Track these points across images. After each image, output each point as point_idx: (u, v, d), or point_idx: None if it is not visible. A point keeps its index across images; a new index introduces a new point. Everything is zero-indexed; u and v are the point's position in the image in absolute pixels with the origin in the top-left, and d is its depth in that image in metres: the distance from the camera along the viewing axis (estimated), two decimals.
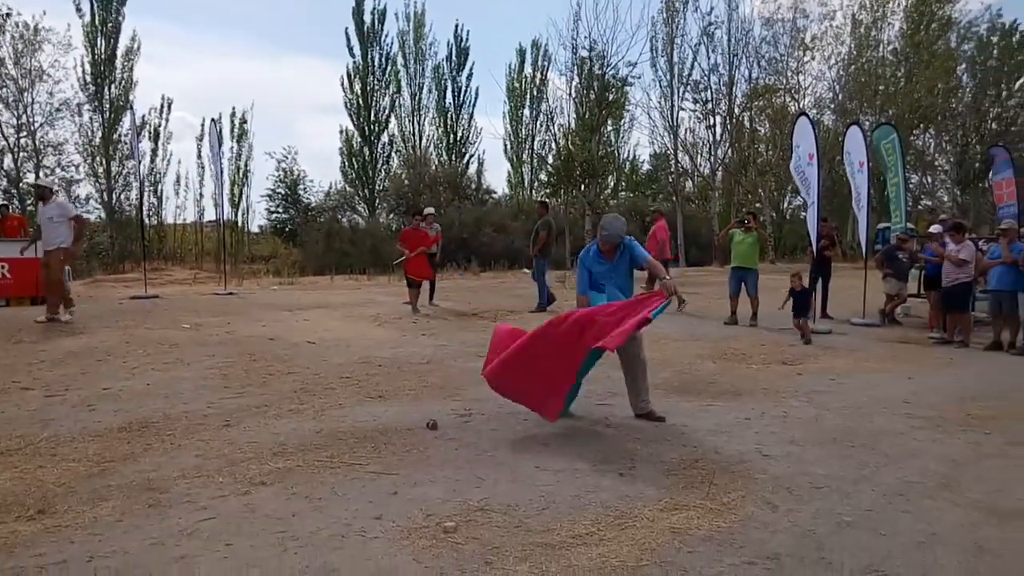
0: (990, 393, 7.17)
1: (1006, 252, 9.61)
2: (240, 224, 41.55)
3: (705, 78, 35.30)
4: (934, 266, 10.86)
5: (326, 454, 4.99)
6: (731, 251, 12.10)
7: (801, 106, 34.84)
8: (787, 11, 35.87)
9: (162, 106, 37.15)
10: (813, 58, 35.89)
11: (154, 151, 36.09)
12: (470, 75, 44.72)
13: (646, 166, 48.91)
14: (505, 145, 47.53)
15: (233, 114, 40.40)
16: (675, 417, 6.04)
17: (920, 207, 35.66)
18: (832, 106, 35.66)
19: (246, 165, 40.71)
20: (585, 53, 26.92)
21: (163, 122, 37.36)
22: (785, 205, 39.13)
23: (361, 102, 40.90)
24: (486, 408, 6.24)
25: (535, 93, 44.08)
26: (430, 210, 13.92)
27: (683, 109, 35.33)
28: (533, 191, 45.93)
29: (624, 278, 5.98)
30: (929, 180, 39.98)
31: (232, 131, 40.39)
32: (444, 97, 44.39)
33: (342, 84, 41.03)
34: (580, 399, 6.64)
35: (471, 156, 45.05)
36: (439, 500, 4.16)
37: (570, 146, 27.90)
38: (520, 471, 4.67)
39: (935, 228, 11.75)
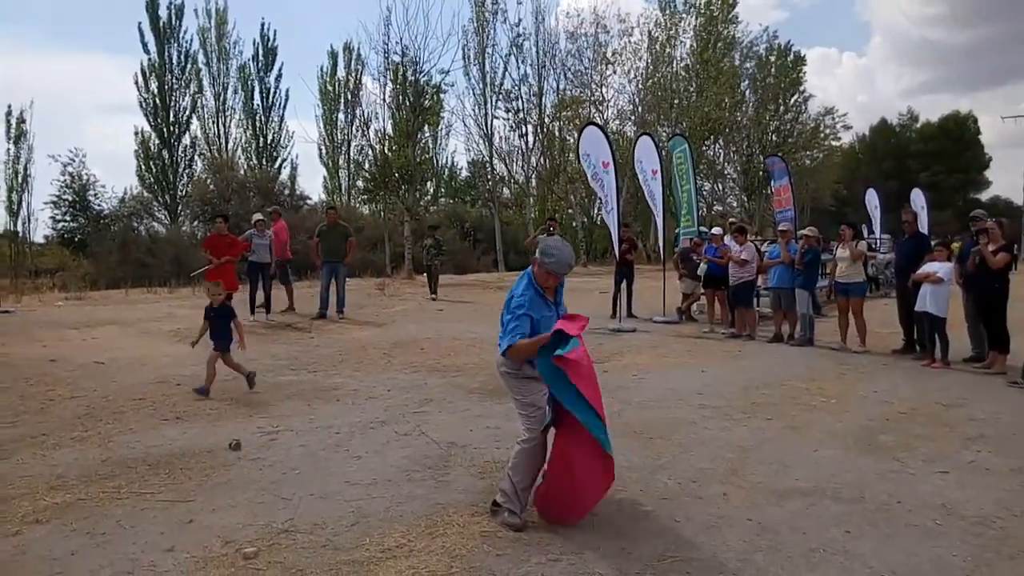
0: (772, 382, 7.89)
1: (784, 252, 10.64)
2: (20, 234, 37.40)
3: (516, 88, 36.36)
4: (715, 265, 11.74)
5: (112, 484, 4.56)
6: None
7: (605, 117, 36.78)
8: (590, 26, 37.72)
9: None
10: (615, 72, 37.97)
11: None
12: (279, 76, 43.24)
13: (464, 173, 49.57)
14: (320, 150, 46.32)
15: (9, 113, 36.41)
16: (489, 420, 6.12)
17: (713, 212, 38.72)
18: (633, 118, 37.89)
19: (26, 169, 36.79)
20: (397, 59, 26.75)
21: None
22: (595, 211, 41.14)
23: (159, 102, 38.25)
24: (295, 424, 5.99)
25: (349, 97, 43.24)
26: (259, 216, 13.12)
27: (497, 118, 36.18)
28: (351, 197, 45.11)
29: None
30: (720, 187, 43.61)
31: (8, 131, 36.37)
32: (252, 98, 42.55)
33: (136, 82, 38.21)
34: (396, 406, 6.58)
35: (283, 160, 43.53)
36: (239, 525, 3.92)
37: (387, 152, 27.59)
38: (329, 487, 4.52)
39: (716, 230, 12.78)
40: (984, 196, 73.77)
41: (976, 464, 5.13)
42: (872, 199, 22.80)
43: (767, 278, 11.47)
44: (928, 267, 8.77)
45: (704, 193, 42.51)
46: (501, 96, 35.83)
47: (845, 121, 46.86)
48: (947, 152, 69.28)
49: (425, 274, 17.46)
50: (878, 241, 20.66)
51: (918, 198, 22.35)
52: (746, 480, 4.75)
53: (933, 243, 9.16)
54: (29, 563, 3.50)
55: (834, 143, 47.75)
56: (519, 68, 36.51)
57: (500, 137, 37.09)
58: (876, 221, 22.60)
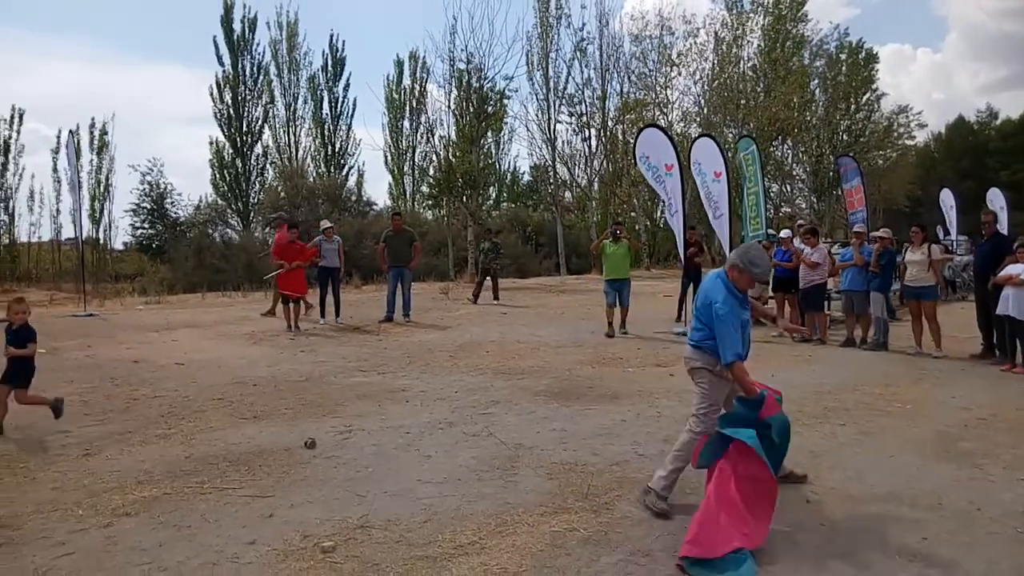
0: (844, 386, 7.71)
1: (857, 255, 10.38)
2: (102, 241, 39.21)
3: (579, 92, 36.34)
4: (783, 269, 11.51)
5: (196, 480, 4.78)
6: (603, 263, 11.99)
7: (669, 119, 36.46)
8: (654, 28, 37.47)
9: (12, 117, 34.68)
10: (679, 74, 37.59)
11: (3, 165, 33.57)
12: (347, 86, 44.21)
13: (526, 177, 49.79)
14: (386, 156, 47.14)
15: (92, 125, 38.25)
16: (555, 422, 6.16)
17: (781, 214, 37.92)
18: (698, 119, 37.43)
19: (107, 179, 38.61)
20: (463, 66, 27.13)
21: (14, 134, 34.89)
22: (658, 214, 40.76)
23: (232, 112, 39.58)
24: (367, 424, 6.14)
25: (414, 105, 43.96)
26: (327, 223, 13.50)
27: (560, 122, 36.20)
28: (415, 203, 45.79)
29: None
30: (788, 189, 42.69)
31: (91, 143, 38.20)
32: (321, 108, 43.62)
33: (211, 94, 39.64)
34: (463, 408, 6.68)
35: (350, 168, 44.49)
36: (317, 521, 4.06)
37: (451, 158, 27.98)
38: (402, 485, 4.63)
39: (784, 233, 12.54)
40: None
41: None
42: (947, 199, 21.99)
43: (839, 281, 11.21)
44: (1010, 269, 8.45)
45: (772, 195, 41.68)
46: (564, 100, 35.89)
47: (920, 119, 45.23)
48: None
49: (483, 278, 17.38)
50: (955, 243, 19.91)
51: (997, 198, 21.45)
52: (820, 486, 4.67)
53: (1015, 244, 8.79)
54: (120, 553, 3.70)
55: (908, 142, 46.21)
56: (582, 72, 36.46)
57: (563, 141, 37.17)
58: (952, 222, 21.79)
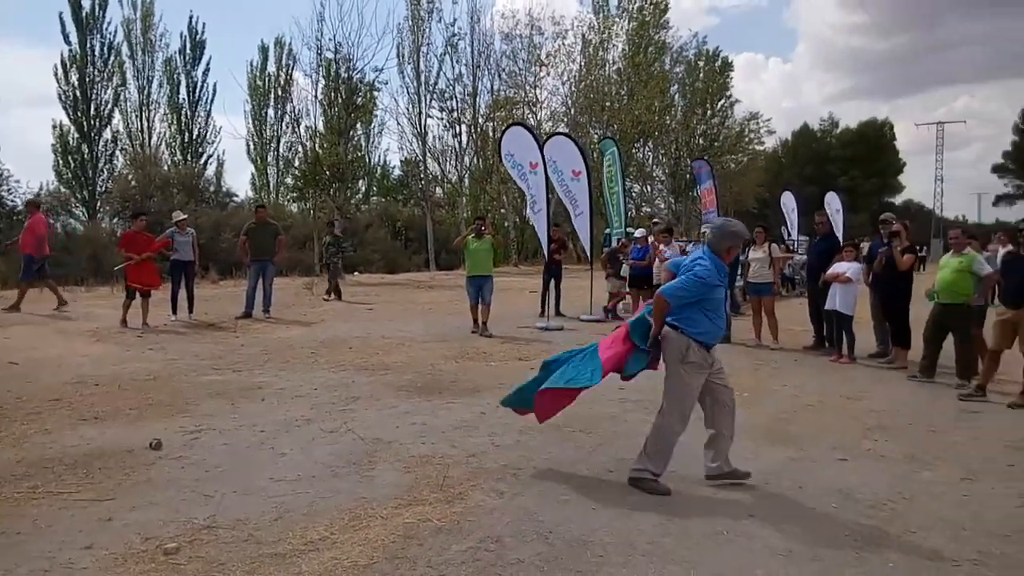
0: None
1: None
2: None
3: (450, 87, 36.39)
4: (638, 266, 12.04)
5: (28, 485, 4.47)
6: (466, 259, 11.68)
7: (539, 118, 37.17)
8: (525, 28, 38.05)
9: None
10: (548, 74, 38.39)
11: None
12: (207, 70, 42.32)
13: (397, 172, 49.30)
14: (248, 146, 45.43)
15: None
16: (416, 416, 6.20)
17: (641, 213, 39.53)
18: (566, 119, 38.36)
19: None
20: (330, 55, 26.48)
21: None
22: (527, 211, 41.43)
23: (79, 94, 36.89)
24: (219, 423, 5.94)
25: (280, 93, 42.52)
26: (180, 215, 12.71)
27: (430, 117, 36.09)
28: (279, 195, 44.35)
29: None
30: (648, 189, 44.59)
31: None
32: (177, 92, 41.52)
33: (55, 74, 36.81)
34: (322, 405, 6.59)
35: (210, 156, 42.54)
36: (160, 523, 3.91)
37: (317, 149, 27.28)
38: (253, 484, 4.53)
39: (639, 232, 13.13)
40: (898, 200, 77.50)
41: (873, 452, 5.49)
42: (789, 202, 23.66)
43: None
44: (837, 267, 9.25)
45: (633, 195, 43.35)
46: (435, 95, 35.82)
47: (769, 126, 48.53)
48: (864, 157, 72.29)
49: (327, 274, 16.76)
50: (795, 243, 21.48)
51: (834, 201, 23.27)
52: None
53: (843, 244, 9.65)
54: None
55: (758, 148, 49.33)
56: (454, 68, 36.54)
57: (433, 136, 37.10)
58: (793, 223, 23.47)
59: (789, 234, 23.32)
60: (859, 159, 71.35)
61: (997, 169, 73.84)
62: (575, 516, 4.10)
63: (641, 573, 3.45)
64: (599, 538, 3.80)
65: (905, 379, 8.27)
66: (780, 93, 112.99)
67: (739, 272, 11.46)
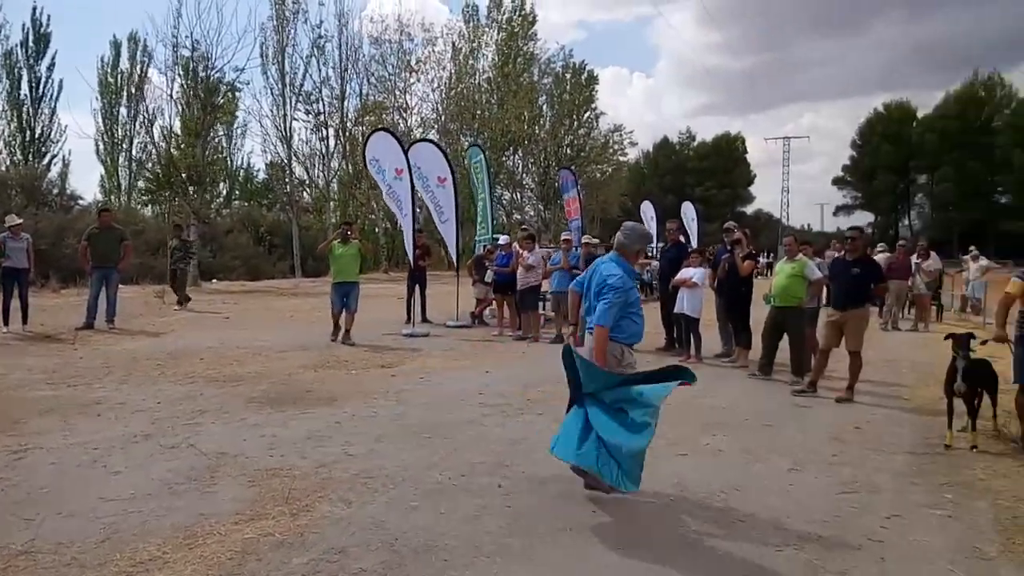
0: (548, 379, 8.36)
1: (564, 259, 11.32)
2: None
3: (317, 90, 35.56)
4: (502, 273, 12.21)
5: None
6: (332, 265, 11.28)
7: (409, 124, 36.98)
8: (394, 33, 37.78)
9: None
10: (418, 80, 38.31)
11: None
12: (52, 65, 39.26)
13: (262, 175, 47.60)
14: (97, 146, 42.57)
15: None
16: (266, 428, 6.01)
17: (512, 220, 40.11)
18: (436, 126, 38.40)
19: None
20: (187, 52, 25.24)
21: None
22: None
23: None
24: (47, 442, 5.52)
25: (133, 91, 40.17)
26: (14, 219, 11.63)
27: (296, 119, 35.09)
28: (132, 198, 41.82)
29: None
30: (519, 197, 45.28)
31: None
32: (18, 88, 38.32)
33: None
34: (164, 419, 6.27)
35: (54, 157, 39.48)
36: None
37: (172, 150, 25.93)
38: (80, 505, 4.24)
39: (503, 239, 13.33)
40: (749, 209, 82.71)
41: (711, 447, 5.82)
42: (648, 211, 24.68)
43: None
44: (684, 272, 9.74)
45: (504, 202, 43.92)
46: (301, 98, 34.88)
47: (632, 138, 50.26)
48: (718, 169, 76.77)
49: (171, 282, 15.85)
50: (654, 249, 22.42)
51: (689, 210, 24.52)
52: (514, 471, 5.05)
53: (689, 251, 10.18)
54: None
55: (622, 158, 51.12)
56: (320, 70, 35.67)
57: (300, 140, 36.13)
58: (652, 231, 24.49)
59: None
60: (714, 171, 75.73)
61: (837, 182, 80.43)
62: (423, 522, 4.10)
63: (484, 574, 3.50)
64: (445, 543, 3.82)
65: (746, 377, 8.82)
66: (643, 107, 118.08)
67: None
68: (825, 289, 9.69)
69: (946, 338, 6.38)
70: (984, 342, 6.40)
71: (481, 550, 3.74)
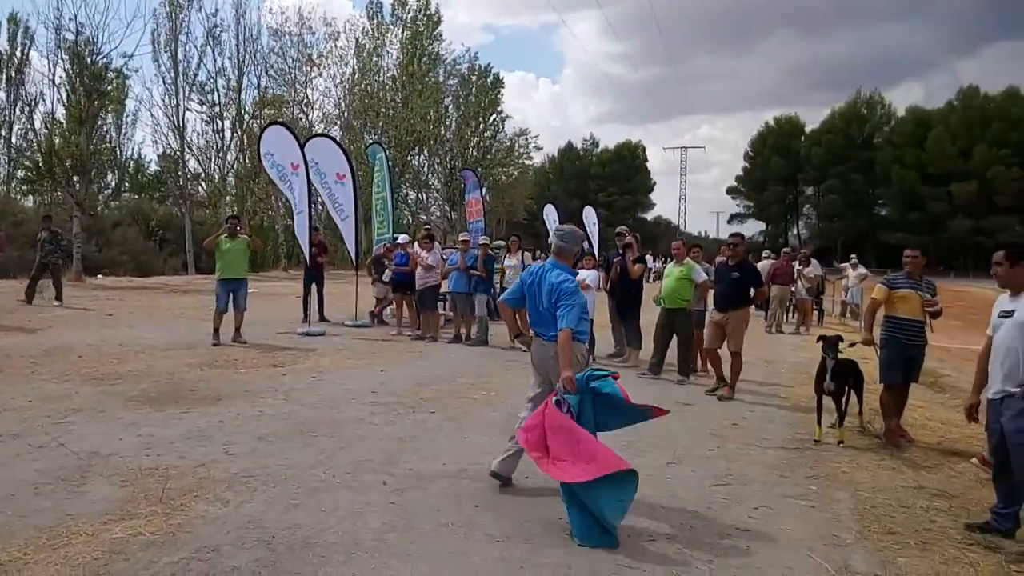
0: (443, 378, 8.43)
1: (461, 260, 11.38)
2: None
3: (212, 80, 34.36)
4: (400, 272, 12.17)
5: None
6: (218, 261, 10.72)
7: (310, 119, 36.21)
8: (295, 26, 36.93)
9: None
10: (320, 75, 37.56)
11: None
12: None
13: (153, 167, 45.56)
14: None
15: None
16: (143, 427, 5.80)
17: (417, 220, 39.89)
18: (339, 123, 37.76)
19: None
20: (71, 36, 23.90)
21: None
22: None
23: None
24: None
25: (13, 75, 37.74)
26: None
27: (190, 110, 33.80)
28: (9, 187, 39.22)
29: None
30: (424, 197, 45.10)
31: None
32: None
33: None
34: (35, 419, 5.95)
35: None
36: None
37: (54, 138, 24.50)
38: None
39: (401, 238, 13.28)
40: (649, 215, 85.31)
41: None
42: (551, 214, 24.99)
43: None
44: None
45: (410, 202, 43.64)
46: (195, 88, 33.62)
47: (537, 143, 50.96)
48: (620, 176, 78.72)
49: (40, 274, 14.53)
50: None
51: (590, 215, 24.98)
52: (400, 468, 5.07)
53: (584, 254, 10.41)
54: None
55: (527, 162, 51.68)
56: (216, 60, 34.47)
57: (194, 131, 34.81)
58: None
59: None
60: (616, 177, 77.67)
61: (731, 191, 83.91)
62: (303, 520, 4.06)
63: (361, 569, 3.51)
64: (324, 539, 3.81)
65: (636, 376, 9.10)
66: (550, 112, 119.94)
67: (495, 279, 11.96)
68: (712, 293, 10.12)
69: (817, 340, 6.77)
70: (852, 344, 6.87)
71: (360, 546, 3.75)
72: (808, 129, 77.46)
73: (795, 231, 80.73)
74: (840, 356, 6.50)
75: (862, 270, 17.88)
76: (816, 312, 17.23)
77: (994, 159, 60.56)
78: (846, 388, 6.57)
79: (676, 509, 4.55)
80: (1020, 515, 4.34)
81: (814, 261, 16.75)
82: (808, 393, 7.97)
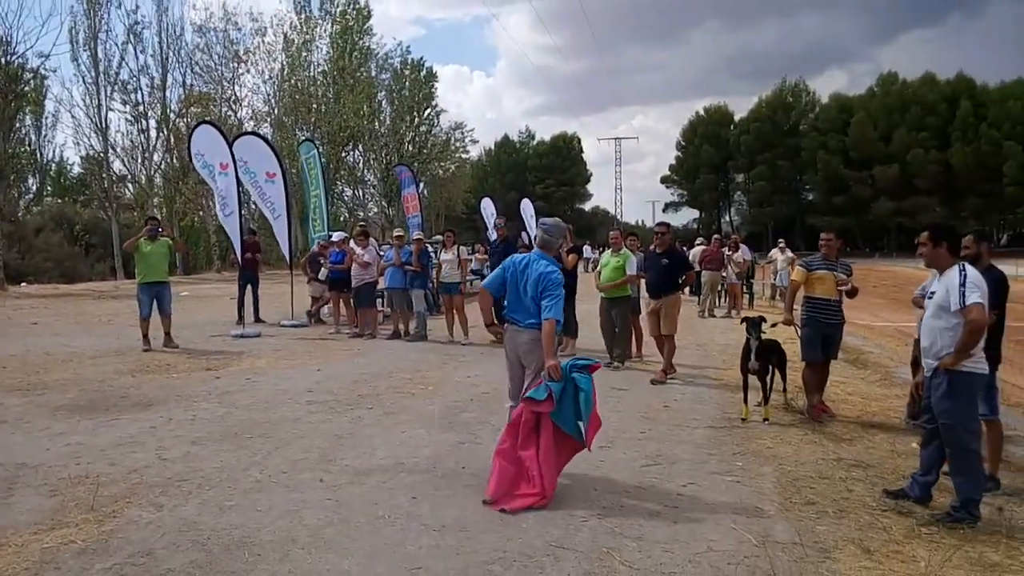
0: (381, 374, 8.45)
1: (396, 256, 11.38)
2: None
3: (135, 79, 33.34)
4: (336, 270, 12.12)
5: None
6: (138, 264, 10.41)
7: (239, 117, 35.46)
8: (220, 21, 36.08)
9: None
10: (248, 71, 36.78)
11: None
12: None
13: (76, 169, 43.96)
14: None
15: None
16: (72, 436, 5.69)
17: (354, 217, 39.45)
18: (270, 119, 37.06)
19: None
20: None
21: None
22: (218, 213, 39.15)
23: None
24: None
25: None
26: None
27: (112, 110, 32.72)
28: None
29: None
30: (361, 193, 44.65)
31: None
32: None
33: None
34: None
35: None
36: None
37: None
38: None
39: (337, 235, 13.20)
40: (587, 206, 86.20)
41: None
42: (488, 207, 25.08)
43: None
44: None
45: (346, 199, 43.16)
46: (117, 87, 32.55)
47: (473, 136, 50.93)
48: (557, 167, 79.21)
49: None
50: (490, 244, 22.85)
51: (527, 207, 25.16)
52: (336, 465, 5.10)
53: (518, 245, 10.56)
54: None
55: (464, 156, 51.66)
56: (138, 58, 33.44)
57: (118, 132, 33.71)
58: (492, 228, 24.96)
59: (490, 238, 24.73)
60: (552, 169, 78.16)
61: (665, 180, 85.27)
62: (238, 520, 4.07)
63: (297, 565, 3.55)
64: (260, 538, 3.83)
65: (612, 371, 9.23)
66: (485, 105, 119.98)
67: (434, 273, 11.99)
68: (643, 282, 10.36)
69: (741, 322, 7.03)
70: (774, 324, 7.14)
71: (297, 543, 3.79)
72: (737, 118, 79.23)
73: (727, 218, 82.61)
74: (764, 336, 6.76)
75: (790, 254, 18.48)
76: (747, 296, 17.75)
77: (913, 143, 62.97)
78: (770, 367, 6.83)
79: (608, 491, 4.69)
80: (932, 490, 4.58)
81: (743, 246, 17.25)
82: (737, 374, 8.27)
